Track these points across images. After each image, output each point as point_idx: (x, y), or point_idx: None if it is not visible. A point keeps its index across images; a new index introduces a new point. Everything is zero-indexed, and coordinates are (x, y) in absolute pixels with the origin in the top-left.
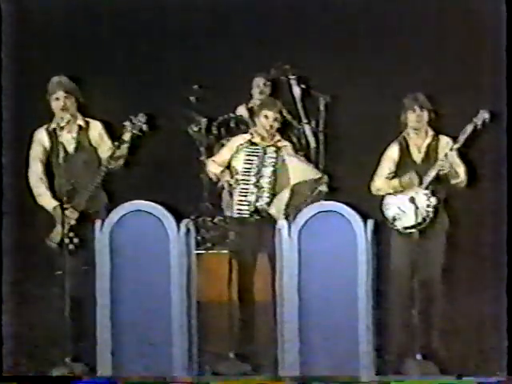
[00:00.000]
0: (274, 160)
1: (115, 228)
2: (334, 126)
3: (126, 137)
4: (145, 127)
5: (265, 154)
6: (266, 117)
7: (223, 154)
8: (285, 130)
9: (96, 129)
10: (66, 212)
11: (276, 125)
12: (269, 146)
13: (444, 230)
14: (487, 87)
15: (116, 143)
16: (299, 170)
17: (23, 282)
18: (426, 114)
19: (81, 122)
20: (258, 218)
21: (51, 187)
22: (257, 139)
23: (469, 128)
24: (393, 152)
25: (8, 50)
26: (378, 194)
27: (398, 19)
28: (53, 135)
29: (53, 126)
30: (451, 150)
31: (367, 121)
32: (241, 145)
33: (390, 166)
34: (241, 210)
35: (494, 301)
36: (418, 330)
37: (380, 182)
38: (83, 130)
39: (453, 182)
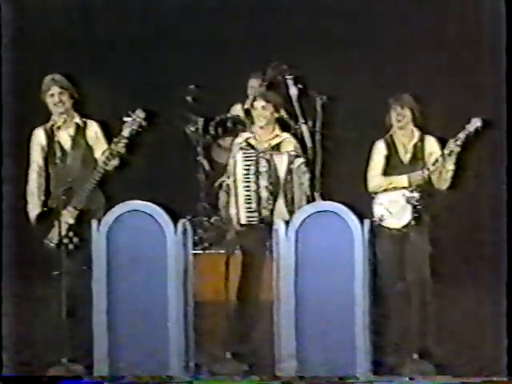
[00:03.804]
0: (266, 169)
1: (112, 228)
2: (330, 126)
3: (126, 133)
4: (144, 123)
5: (257, 162)
6: (264, 108)
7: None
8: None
9: (93, 129)
10: (64, 211)
11: (275, 115)
12: (262, 152)
13: (428, 232)
14: (487, 88)
15: (115, 139)
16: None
17: (22, 283)
18: (408, 113)
19: (78, 120)
20: (264, 226)
21: (47, 187)
22: (253, 141)
23: (461, 135)
24: (381, 148)
25: (7, 50)
26: (378, 191)
27: (396, 20)
28: (50, 134)
29: (50, 123)
30: (442, 155)
31: (364, 121)
32: (240, 143)
33: (383, 160)
34: (249, 217)
35: (493, 301)
36: (415, 329)
37: (378, 179)
38: (80, 129)
39: (437, 186)
